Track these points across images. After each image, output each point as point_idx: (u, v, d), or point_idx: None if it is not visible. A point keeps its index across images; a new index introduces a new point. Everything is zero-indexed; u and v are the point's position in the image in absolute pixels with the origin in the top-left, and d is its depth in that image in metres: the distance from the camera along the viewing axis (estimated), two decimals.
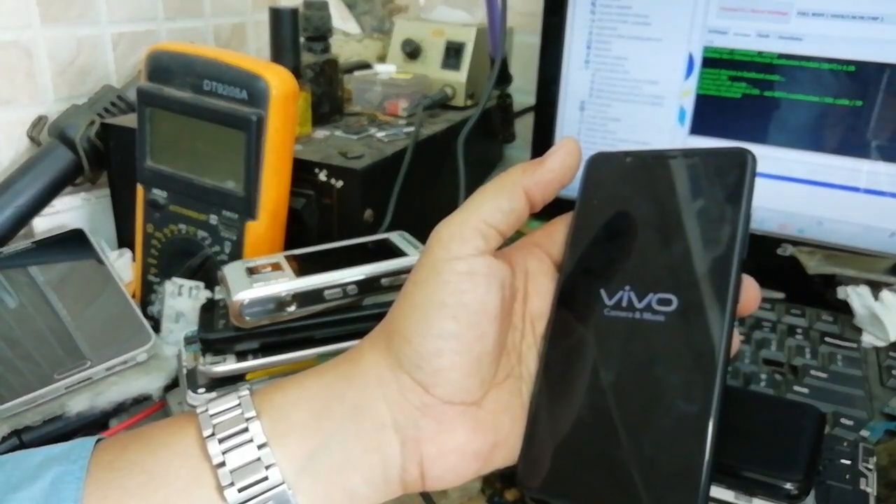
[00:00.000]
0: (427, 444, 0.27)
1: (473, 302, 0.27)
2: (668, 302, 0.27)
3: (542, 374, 0.29)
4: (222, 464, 0.25)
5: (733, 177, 0.28)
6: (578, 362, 0.28)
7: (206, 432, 0.26)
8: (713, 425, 0.25)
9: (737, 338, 0.27)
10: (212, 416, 0.27)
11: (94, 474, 0.25)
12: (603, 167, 0.31)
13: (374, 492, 0.27)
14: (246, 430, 0.26)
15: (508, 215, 0.28)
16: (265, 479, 0.25)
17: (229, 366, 0.39)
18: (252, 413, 0.27)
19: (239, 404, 0.27)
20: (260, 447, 0.26)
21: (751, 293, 0.28)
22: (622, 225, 0.30)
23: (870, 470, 0.33)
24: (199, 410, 0.27)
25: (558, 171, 0.29)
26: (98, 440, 0.27)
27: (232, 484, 0.25)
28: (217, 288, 0.48)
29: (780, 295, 0.55)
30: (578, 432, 0.27)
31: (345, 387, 0.27)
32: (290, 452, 0.26)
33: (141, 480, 0.25)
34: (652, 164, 0.30)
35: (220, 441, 0.26)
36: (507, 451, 0.28)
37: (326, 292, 0.40)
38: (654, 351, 0.27)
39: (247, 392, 0.28)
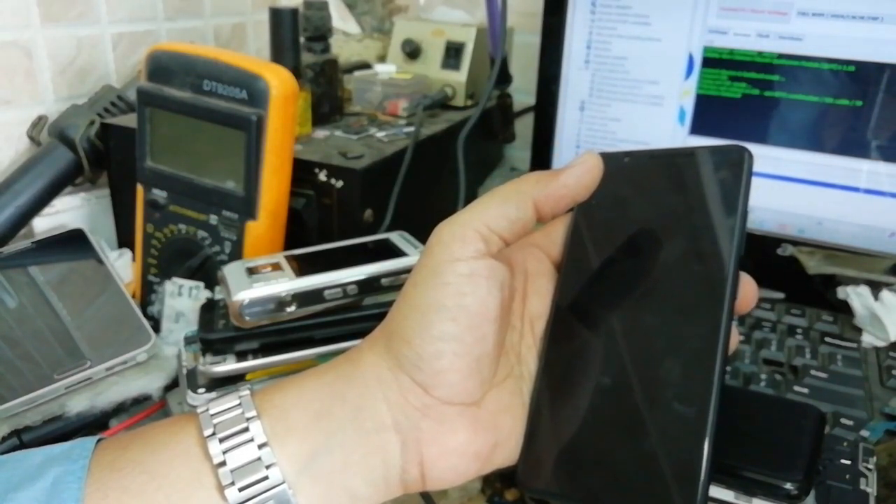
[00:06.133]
0: (428, 444, 0.27)
1: (473, 304, 0.27)
2: (666, 300, 0.27)
3: (542, 374, 0.29)
4: (223, 463, 0.25)
5: (730, 174, 0.28)
6: (578, 362, 0.28)
7: (207, 432, 0.26)
8: (711, 423, 0.25)
9: (735, 335, 0.27)
10: (212, 415, 0.27)
11: (94, 474, 0.25)
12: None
13: (374, 492, 0.27)
14: (246, 429, 0.26)
15: (514, 224, 0.28)
16: (265, 478, 0.25)
17: (229, 366, 0.39)
18: (253, 413, 0.26)
19: (239, 404, 0.27)
20: (260, 447, 0.26)
21: (748, 291, 0.28)
22: (621, 225, 0.30)
23: (870, 470, 0.33)
24: (199, 410, 0.27)
25: (573, 187, 0.29)
26: (98, 440, 0.27)
27: (232, 483, 0.25)
28: (217, 288, 0.48)
29: (780, 295, 0.55)
30: (579, 432, 0.27)
31: (345, 387, 0.27)
32: (291, 453, 0.26)
33: (142, 480, 0.25)
34: (650, 164, 0.30)
35: (221, 441, 0.26)
36: (507, 451, 0.28)
37: (326, 292, 0.40)
38: (653, 349, 0.27)
39: (247, 392, 0.28)
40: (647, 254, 0.29)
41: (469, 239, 0.27)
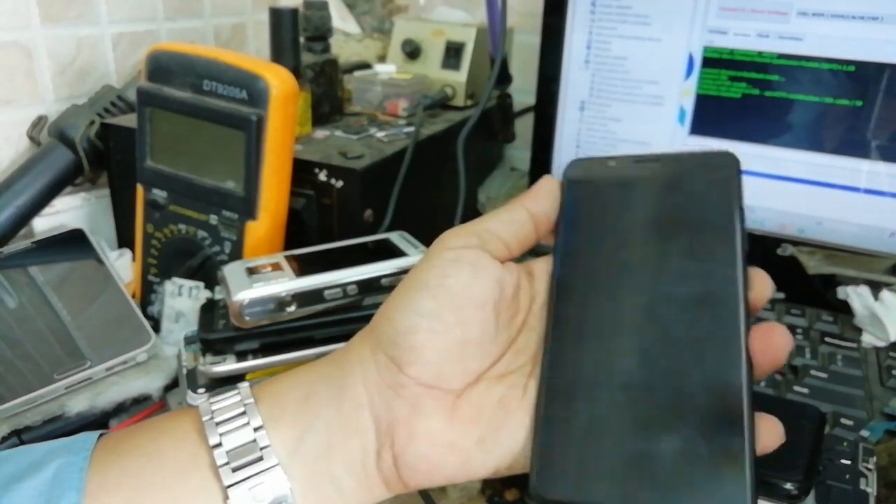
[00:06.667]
0: (399, 427, 0.26)
1: (456, 286, 0.27)
2: (676, 298, 0.27)
3: (548, 376, 0.27)
4: (219, 444, 0.26)
5: (722, 177, 0.28)
6: (588, 361, 0.27)
7: (205, 417, 0.27)
8: (748, 403, 0.24)
9: (782, 336, 0.26)
10: (211, 403, 0.27)
11: (96, 460, 0.26)
12: (584, 172, 0.31)
13: (356, 482, 0.27)
14: (243, 413, 0.27)
15: (508, 224, 0.30)
16: (260, 459, 0.26)
17: (229, 366, 0.39)
18: (250, 399, 0.27)
19: (238, 393, 0.28)
20: (256, 430, 0.26)
21: (763, 282, 0.27)
22: (615, 227, 0.29)
23: (870, 470, 0.33)
24: (200, 401, 0.28)
25: (546, 186, 0.31)
26: (101, 434, 0.28)
27: (227, 463, 0.25)
28: (217, 288, 0.48)
29: (780, 295, 0.55)
30: (600, 431, 0.25)
31: (332, 370, 0.28)
32: (283, 435, 0.26)
33: (140, 462, 0.26)
34: (636, 168, 0.30)
35: (218, 424, 0.26)
36: (502, 451, 0.27)
37: (326, 292, 0.40)
38: (669, 344, 0.26)
39: (247, 384, 0.28)
40: (648, 255, 0.28)
41: (462, 234, 0.29)
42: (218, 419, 0.27)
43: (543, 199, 0.31)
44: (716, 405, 0.24)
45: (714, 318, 0.26)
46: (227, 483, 0.25)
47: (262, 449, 0.26)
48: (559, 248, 0.30)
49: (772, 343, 0.25)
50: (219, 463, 0.25)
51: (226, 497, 0.25)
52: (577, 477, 0.25)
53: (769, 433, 0.25)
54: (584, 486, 0.24)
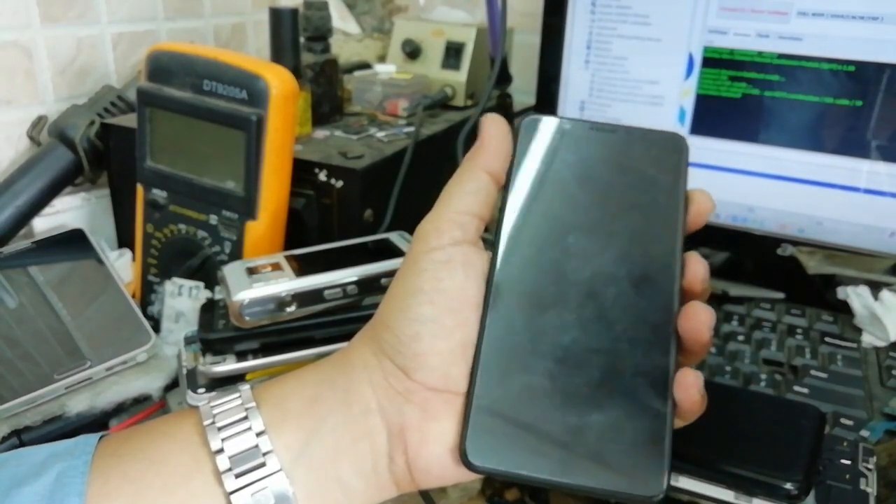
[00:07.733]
0: (411, 431, 0.26)
1: (451, 288, 0.27)
2: (613, 269, 0.27)
3: (484, 345, 0.27)
4: (221, 450, 0.26)
5: (671, 157, 0.29)
6: (523, 334, 0.27)
7: (207, 421, 0.27)
8: (671, 402, 0.25)
9: (701, 312, 0.27)
10: (213, 406, 0.27)
11: (97, 463, 0.26)
12: (539, 132, 0.31)
13: (365, 484, 0.27)
14: (245, 418, 0.26)
15: (476, 195, 0.29)
16: (263, 465, 0.25)
17: (229, 366, 0.39)
18: (252, 403, 0.27)
19: (239, 396, 0.28)
20: (258, 435, 0.26)
21: (697, 265, 0.28)
22: (562, 191, 0.29)
23: (870, 470, 0.33)
24: (201, 403, 0.28)
25: (497, 135, 0.30)
26: (102, 436, 0.27)
27: (230, 469, 0.25)
28: (217, 288, 0.48)
29: (780, 295, 0.55)
30: (532, 403, 0.26)
31: (336, 374, 0.28)
32: (287, 440, 0.26)
33: (142, 466, 0.25)
34: (590, 135, 0.30)
35: (220, 429, 0.26)
36: None
37: (326, 292, 0.40)
38: (604, 321, 0.27)
39: (248, 386, 0.28)
40: (591, 230, 0.28)
41: (444, 229, 0.28)
42: (219, 424, 0.26)
43: (498, 154, 0.30)
44: (643, 385, 0.26)
45: (649, 299, 0.27)
46: (229, 489, 0.25)
47: (264, 455, 0.26)
48: (503, 214, 0.30)
49: (695, 321, 0.26)
50: (221, 469, 0.25)
51: (228, 503, 0.25)
52: (507, 448, 0.25)
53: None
54: (514, 457, 0.25)
